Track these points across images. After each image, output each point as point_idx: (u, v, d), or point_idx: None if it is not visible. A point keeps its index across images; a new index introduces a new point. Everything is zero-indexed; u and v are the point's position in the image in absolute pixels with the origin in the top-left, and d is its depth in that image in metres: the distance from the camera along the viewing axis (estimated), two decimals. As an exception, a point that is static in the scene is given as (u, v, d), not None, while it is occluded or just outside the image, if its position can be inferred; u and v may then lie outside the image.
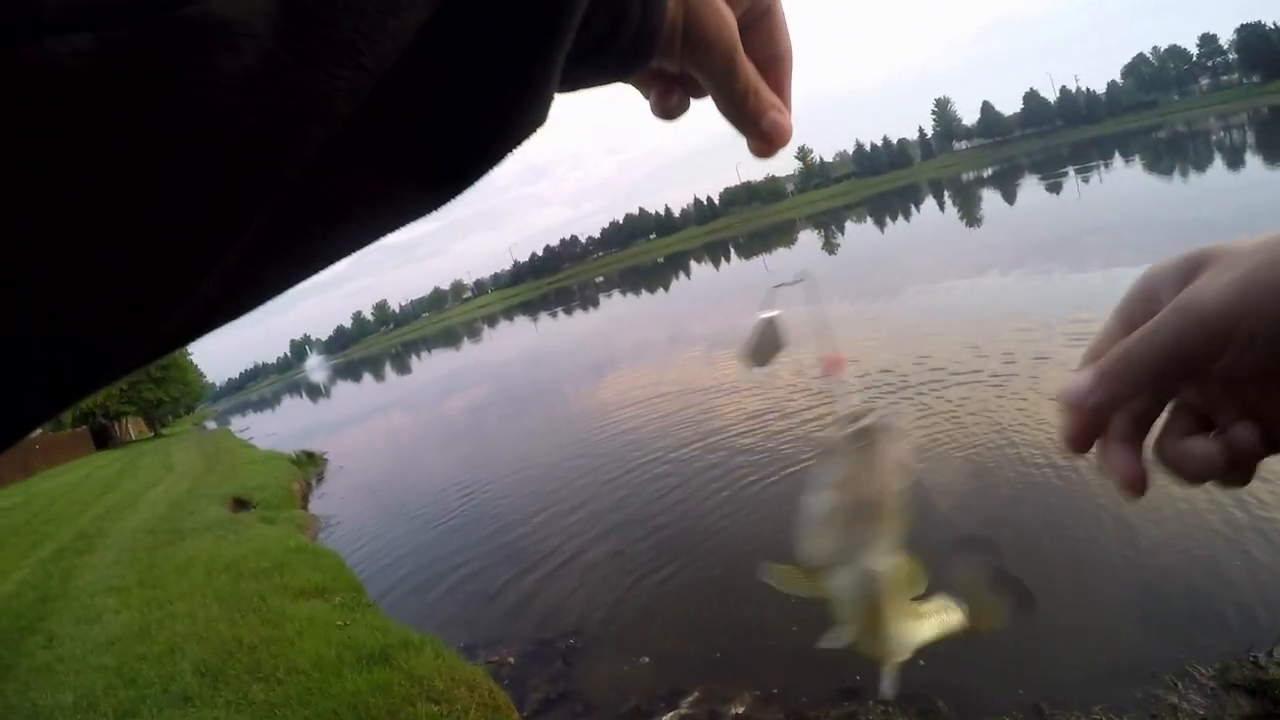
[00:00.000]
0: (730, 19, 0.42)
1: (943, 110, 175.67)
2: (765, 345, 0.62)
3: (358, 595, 6.33)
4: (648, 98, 0.49)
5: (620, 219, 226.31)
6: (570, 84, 0.39)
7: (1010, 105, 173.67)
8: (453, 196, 0.36)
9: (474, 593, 6.61)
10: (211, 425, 57.96)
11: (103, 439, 46.11)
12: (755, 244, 46.68)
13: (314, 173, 0.28)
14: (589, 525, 7.21)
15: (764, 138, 0.48)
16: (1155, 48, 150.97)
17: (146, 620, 6.14)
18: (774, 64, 0.48)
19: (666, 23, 0.39)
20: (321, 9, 0.25)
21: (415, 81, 0.30)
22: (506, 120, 0.34)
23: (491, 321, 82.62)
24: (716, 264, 48.38)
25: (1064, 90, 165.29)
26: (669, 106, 0.48)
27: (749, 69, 0.45)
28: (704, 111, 0.49)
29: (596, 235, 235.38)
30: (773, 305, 0.61)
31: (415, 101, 0.31)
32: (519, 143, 0.36)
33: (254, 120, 0.24)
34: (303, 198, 0.29)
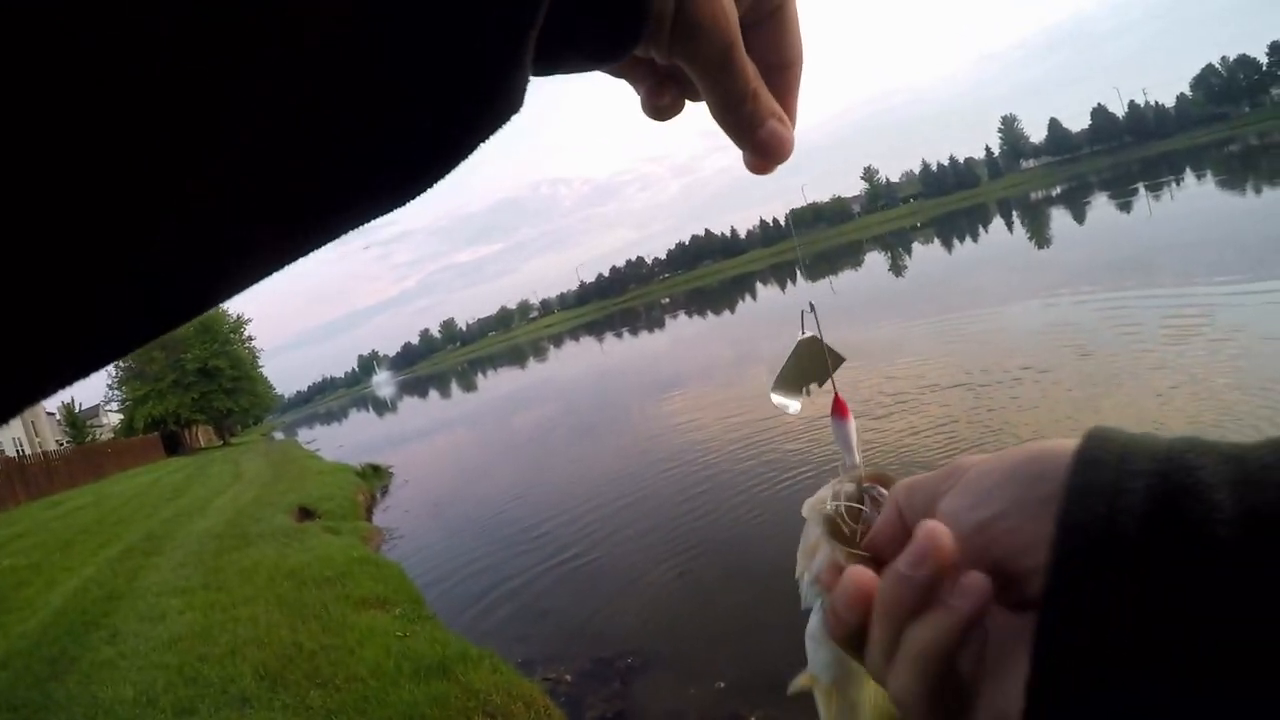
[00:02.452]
0: (730, 8, 0.38)
1: (1009, 128, 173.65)
2: (803, 370, 0.61)
3: (418, 607, 6.31)
4: (639, 93, 0.44)
5: (686, 240, 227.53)
6: (547, 66, 0.35)
7: (1078, 122, 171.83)
8: (419, 188, 0.31)
9: (533, 609, 6.54)
10: (279, 436, 59.31)
11: (173, 445, 47.56)
12: (822, 266, 46.17)
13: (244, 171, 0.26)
14: (654, 544, 7.09)
15: (761, 148, 0.43)
16: (1224, 58, 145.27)
17: (209, 622, 6.20)
18: (780, 70, 0.44)
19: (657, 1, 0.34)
20: None
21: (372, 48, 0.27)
22: (474, 105, 0.30)
23: (557, 341, 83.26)
24: (782, 286, 48.09)
25: (1132, 105, 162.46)
26: (660, 106, 0.44)
27: (749, 68, 0.41)
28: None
29: (663, 256, 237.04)
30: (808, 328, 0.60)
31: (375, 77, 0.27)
32: (491, 128, 0.31)
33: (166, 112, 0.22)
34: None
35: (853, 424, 0.57)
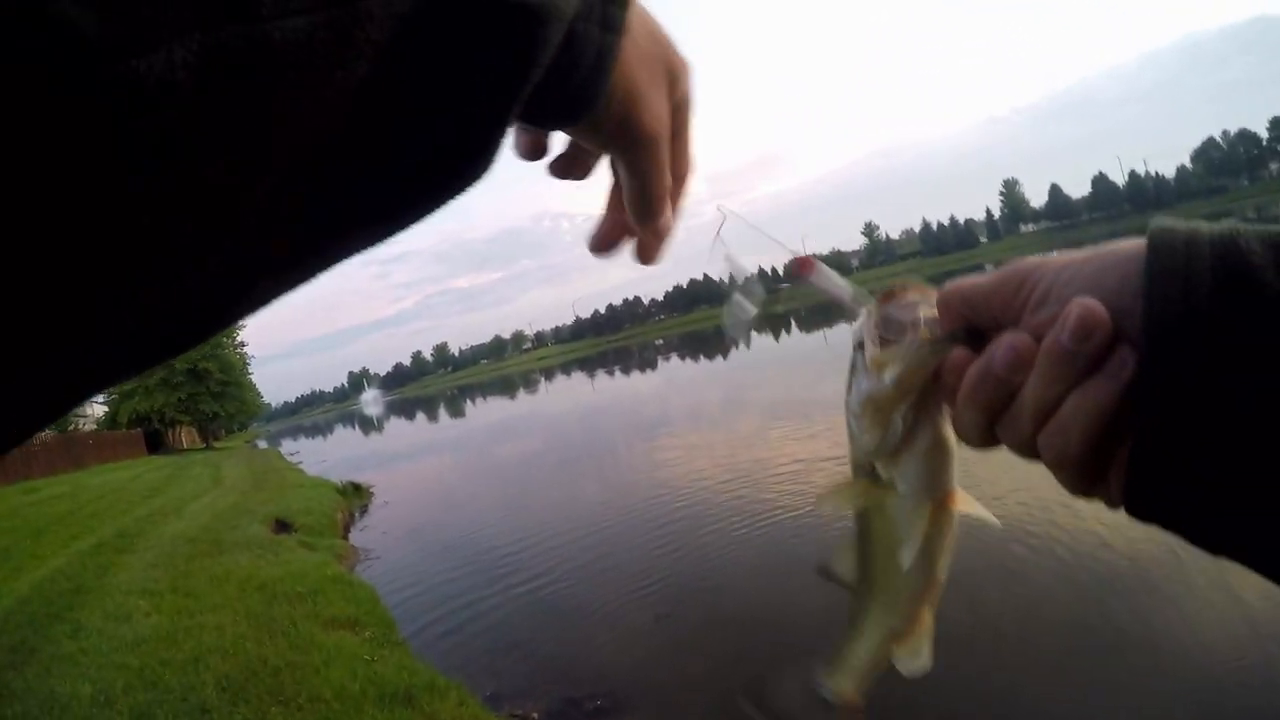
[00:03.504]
0: (665, 119, 0.46)
1: (1011, 191, 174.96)
2: (746, 309, 0.63)
3: (389, 631, 6.23)
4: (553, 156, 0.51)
5: (684, 283, 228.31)
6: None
7: (1079, 189, 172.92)
8: (389, 235, 0.37)
9: (506, 642, 6.43)
10: (263, 444, 58.93)
11: (155, 443, 47.23)
12: (817, 318, 46.29)
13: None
14: (632, 585, 6.99)
15: (656, 233, 0.52)
16: (1225, 132, 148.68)
17: (175, 627, 6.09)
18: (675, 181, 0.51)
19: (611, 83, 0.41)
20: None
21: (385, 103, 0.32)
22: (469, 154, 0.36)
23: (549, 374, 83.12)
24: (776, 336, 48.22)
25: (1133, 174, 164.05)
26: (568, 170, 0.52)
27: (667, 170, 0.49)
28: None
29: (660, 298, 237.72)
30: (737, 264, 0.62)
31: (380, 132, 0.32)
32: (472, 180, 0.37)
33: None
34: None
35: (824, 267, 0.58)
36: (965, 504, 0.56)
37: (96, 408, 58.82)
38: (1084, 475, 0.45)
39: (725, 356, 40.16)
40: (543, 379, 75.03)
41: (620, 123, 0.44)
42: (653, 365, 51.99)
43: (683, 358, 51.84)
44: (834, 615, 0.66)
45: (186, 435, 55.36)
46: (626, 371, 51.70)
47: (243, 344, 52.46)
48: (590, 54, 0.38)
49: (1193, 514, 0.41)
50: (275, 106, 0.26)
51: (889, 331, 0.52)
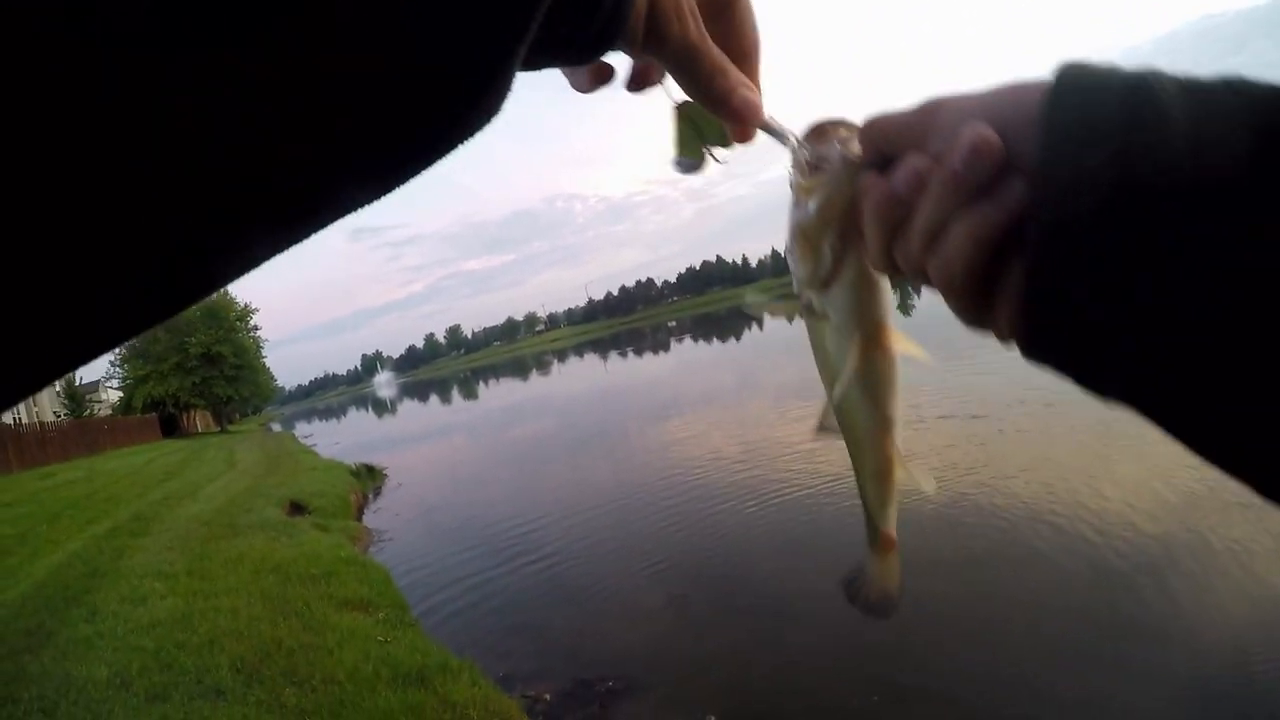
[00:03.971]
0: (691, 8, 0.45)
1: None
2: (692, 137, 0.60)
3: (401, 613, 6.24)
4: (568, 77, 0.51)
5: (697, 265, 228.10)
6: (527, 65, 0.39)
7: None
8: (401, 181, 0.36)
9: (518, 624, 6.45)
10: (277, 428, 59.27)
11: (170, 427, 47.54)
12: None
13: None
14: (645, 567, 7.00)
15: (736, 115, 0.50)
16: None
17: (190, 609, 6.12)
18: (740, 59, 0.50)
19: (634, 12, 0.41)
20: None
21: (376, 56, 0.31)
22: (465, 103, 0.34)
23: (561, 356, 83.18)
24: (790, 318, 48.10)
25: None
26: (591, 84, 0.51)
27: (714, 51, 0.48)
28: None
29: (672, 280, 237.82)
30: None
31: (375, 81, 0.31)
32: (477, 127, 0.36)
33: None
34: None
35: (769, 116, 0.56)
36: (899, 342, 0.57)
37: (111, 393, 59.32)
38: (971, 304, 0.45)
39: (738, 339, 40.14)
40: (555, 361, 75.11)
41: (650, 37, 0.44)
42: (665, 347, 51.96)
43: (695, 340, 51.79)
44: (847, 608, 0.68)
45: (201, 419, 55.68)
46: (639, 353, 51.70)
47: (256, 327, 52.59)
48: None
49: (1081, 358, 0.41)
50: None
51: (818, 165, 0.53)
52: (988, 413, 9.94)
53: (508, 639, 6.17)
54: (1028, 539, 5.85)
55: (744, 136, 0.55)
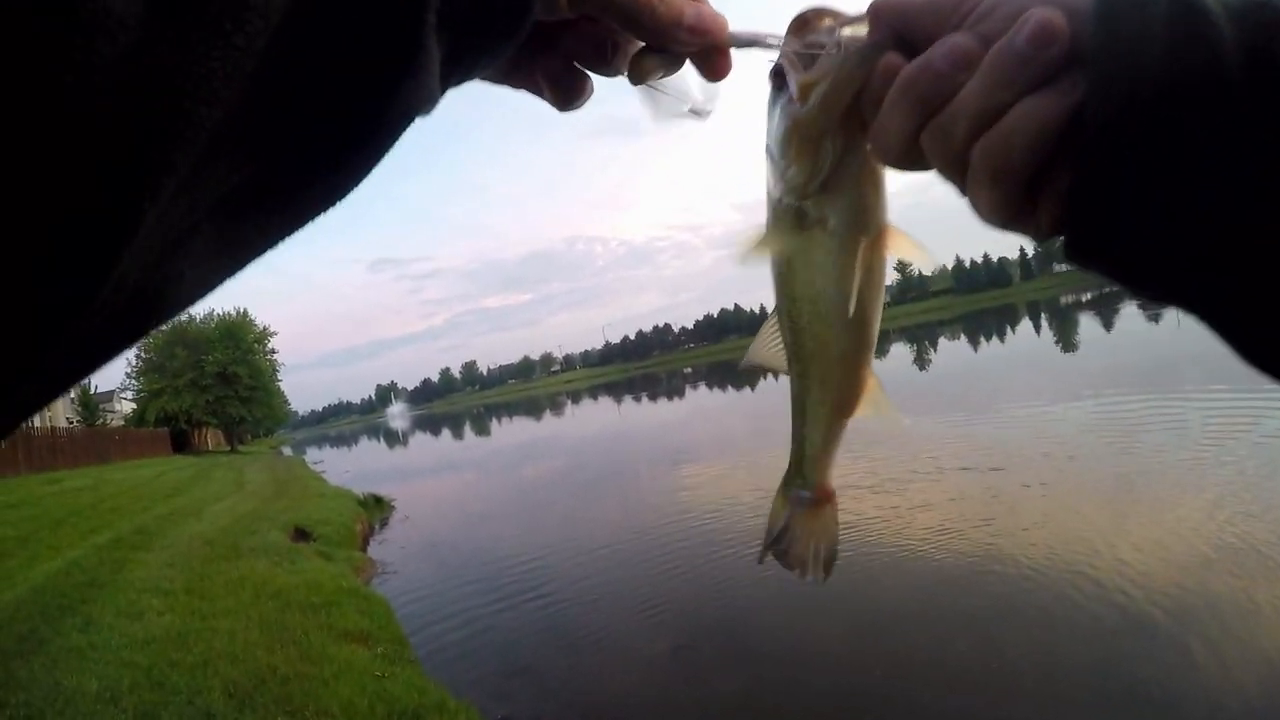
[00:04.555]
0: None
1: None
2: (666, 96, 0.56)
3: (401, 648, 6.15)
4: (545, 95, 0.50)
5: (715, 313, 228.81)
6: (467, 65, 0.39)
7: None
8: (341, 191, 0.37)
9: (519, 665, 6.31)
10: (287, 452, 59.26)
11: (180, 443, 47.79)
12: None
13: (206, 161, 0.30)
14: (650, 615, 6.84)
15: (694, 33, 0.48)
16: None
17: (186, 628, 6.03)
18: None
19: None
20: None
21: (290, 65, 0.31)
22: (384, 100, 0.34)
23: (575, 397, 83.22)
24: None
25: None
26: (568, 92, 0.50)
27: None
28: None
29: (689, 326, 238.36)
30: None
31: (292, 85, 0.32)
32: (399, 125, 0.36)
33: (132, 101, 0.25)
34: (198, 191, 0.31)
35: (743, 32, 0.52)
36: (899, 241, 0.54)
37: (125, 404, 59.64)
38: (1015, 196, 0.42)
39: (753, 389, 40.06)
40: (569, 401, 75.13)
41: None
42: (680, 393, 51.87)
43: (710, 387, 51.70)
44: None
45: (212, 437, 55.86)
46: (654, 398, 51.61)
47: (274, 350, 52.92)
48: None
49: (1132, 258, 0.40)
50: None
51: (811, 57, 0.50)
52: (1008, 464, 9.84)
53: (508, 681, 6.03)
54: (1044, 594, 5.74)
55: (716, 68, 0.51)
